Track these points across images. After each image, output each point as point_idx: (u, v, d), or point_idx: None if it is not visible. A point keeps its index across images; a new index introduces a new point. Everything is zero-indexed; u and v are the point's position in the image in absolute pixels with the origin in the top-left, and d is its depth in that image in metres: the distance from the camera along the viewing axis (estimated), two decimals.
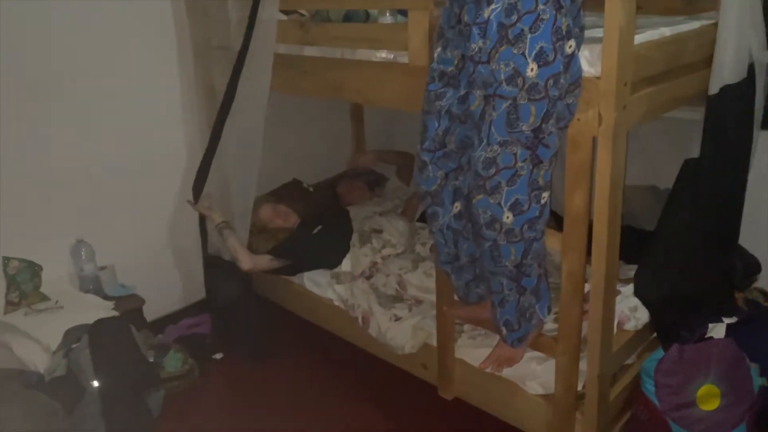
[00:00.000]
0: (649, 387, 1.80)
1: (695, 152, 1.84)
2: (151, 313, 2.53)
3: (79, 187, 2.40)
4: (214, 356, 2.53)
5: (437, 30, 1.64)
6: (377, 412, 2.21)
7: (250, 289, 2.57)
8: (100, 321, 2.08)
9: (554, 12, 1.37)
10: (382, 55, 1.94)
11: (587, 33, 1.52)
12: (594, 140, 1.52)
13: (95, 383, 1.93)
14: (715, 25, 1.74)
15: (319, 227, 2.62)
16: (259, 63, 2.12)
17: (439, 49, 1.61)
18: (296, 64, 2.20)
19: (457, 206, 1.73)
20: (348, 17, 2.11)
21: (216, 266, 2.51)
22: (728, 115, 1.79)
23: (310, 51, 2.16)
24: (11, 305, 2.22)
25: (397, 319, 2.20)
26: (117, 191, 2.51)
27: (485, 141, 1.49)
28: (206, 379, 2.40)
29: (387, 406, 2.24)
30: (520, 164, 1.48)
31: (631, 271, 2.06)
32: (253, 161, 2.30)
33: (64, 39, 2.27)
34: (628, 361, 1.97)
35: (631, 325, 1.95)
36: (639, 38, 1.52)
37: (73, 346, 1.99)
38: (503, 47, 1.40)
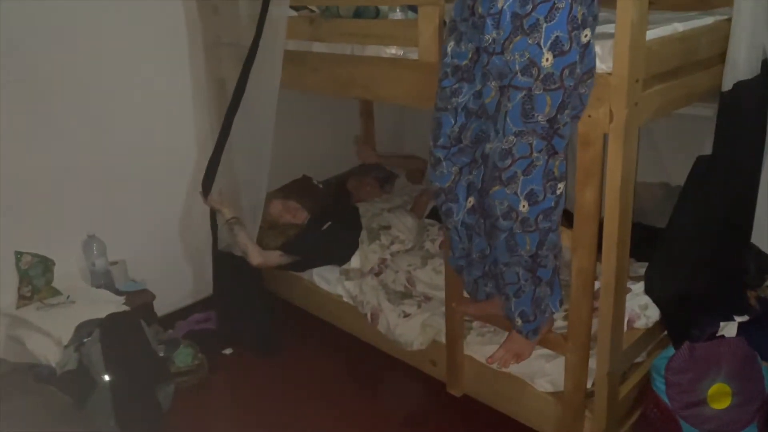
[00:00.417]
0: (659, 385, 1.80)
1: (707, 149, 1.82)
2: (161, 308, 2.54)
3: (90, 182, 2.42)
4: (223, 351, 2.54)
5: (449, 24, 1.63)
6: (385, 408, 2.21)
7: (260, 284, 2.58)
8: (111, 316, 2.09)
9: (570, 1, 1.36)
10: (392, 51, 1.94)
11: (598, 28, 1.51)
12: (605, 137, 1.51)
13: (106, 377, 1.95)
14: (729, 20, 1.72)
15: (329, 223, 2.62)
16: (269, 59, 2.12)
17: (452, 43, 1.60)
18: (305, 60, 2.20)
19: (471, 201, 1.72)
20: (358, 13, 2.10)
21: (226, 261, 2.52)
22: (741, 112, 1.77)
23: (319, 47, 2.16)
24: (24, 300, 2.25)
25: (406, 315, 2.20)
26: (128, 187, 2.52)
27: (501, 132, 1.49)
28: (216, 374, 2.41)
29: (395, 403, 2.24)
30: (535, 155, 1.48)
31: (641, 268, 2.04)
32: (263, 157, 2.31)
33: (75, 35, 2.29)
34: (638, 359, 1.96)
35: (641, 323, 1.94)
36: (651, 34, 1.50)
37: (85, 340, 2.01)
38: (518, 37, 1.39)
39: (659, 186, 2.51)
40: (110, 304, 2.24)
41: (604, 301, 1.64)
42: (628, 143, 1.50)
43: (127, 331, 2.06)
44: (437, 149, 1.68)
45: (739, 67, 1.72)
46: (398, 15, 2.03)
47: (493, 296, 1.85)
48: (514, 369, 1.90)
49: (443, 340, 2.08)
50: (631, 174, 1.57)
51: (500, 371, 1.91)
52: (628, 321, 1.89)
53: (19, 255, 2.24)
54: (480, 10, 1.46)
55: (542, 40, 1.37)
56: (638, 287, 1.98)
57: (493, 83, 1.50)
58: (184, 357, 2.32)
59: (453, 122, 1.63)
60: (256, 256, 2.42)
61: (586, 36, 1.40)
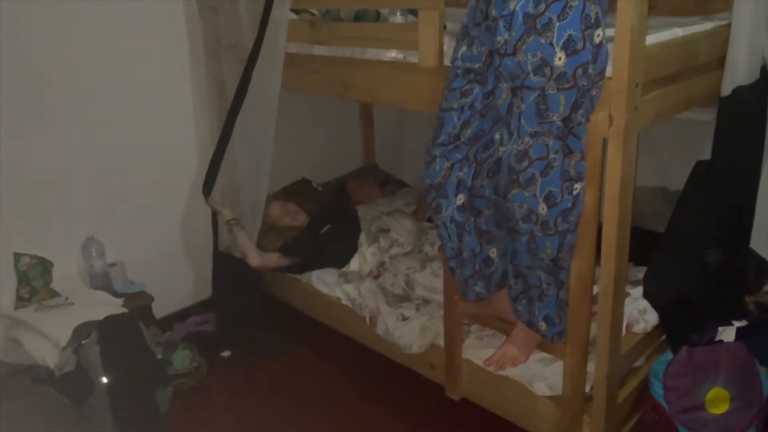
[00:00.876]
0: (657, 390, 1.79)
1: (707, 154, 1.82)
2: (160, 310, 2.54)
3: (90, 184, 2.42)
4: (222, 354, 2.54)
5: (461, 29, 1.63)
6: (384, 411, 2.21)
7: (259, 286, 2.58)
8: (109, 318, 2.09)
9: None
10: (392, 54, 1.94)
11: None
12: (604, 141, 1.52)
13: (104, 379, 1.95)
14: (728, 26, 1.72)
15: (328, 226, 2.63)
16: (270, 61, 2.12)
17: (463, 48, 1.60)
18: (306, 62, 2.21)
19: (461, 198, 1.72)
20: (359, 16, 2.11)
21: (226, 263, 2.52)
22: (740, 117, 1.77)
23: (320, 50, 2.17)
24: (22, 301, 2.24)
25: (405, 318, 2.20)
26: (128, 188, 2.52)
27: (515, 134, 1.49)
28: (214, 376, 2.41)
29: (394, 406, 2.24)
30: (552, 155, 1.48)
31: (640, 272, 2.04)
32: (263, 159, 2.31)
33: (75, 36, 2.29)
34: (637, 364, 1.96)
35: (639, 328, 1.94)
36: (651, 38, 1.51)
37: (83, 342, 2.01)
38: (531, 38, 1.39)
39: (658, 190, 2.51)
40: (109, 306, 2.23)
41: (603, 305, 1.64)
42: (628, 147, 1.50)
43: (126, 333, 2.06)
44: (435, 147, 1.68)
45: (739, 72, 1.72)
46: (398, 18, 2.03)
47: (483, 297, 1.84)
48: (512, 372, 1.90)
49: (442, 343, 2.08)
50: (631, 178, 1.57)
51: (499, 375, 1.91)
52: (627, 325, 1.89)
53: (17, 256, 2.24)
54: (493, 12, 1.46)
55: (555, 39, 1.37)
56: (637, 291, 1.98)
57: (504, 85, 1.50)
58: (182, 359, 2.31)
59: (456, 120, 1.64)
60: (255, 258, 2.42)
61: (598, 36, 1.40)
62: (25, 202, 2.25)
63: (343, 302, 2.45)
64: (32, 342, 2.10)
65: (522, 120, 1.47)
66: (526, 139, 1.48)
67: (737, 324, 1.89)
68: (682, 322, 1.92)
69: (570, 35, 1.37)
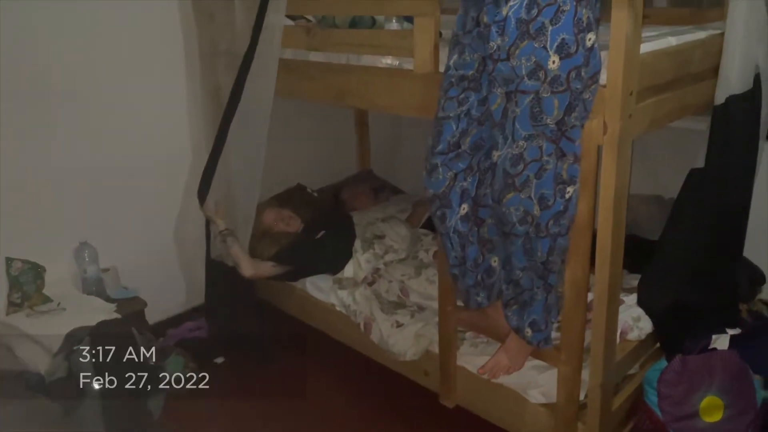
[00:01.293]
0: (651, 397, 1.79)
1: (700, 162, 1.83)
2: (153, 316, 2.53)
3: (83, 188, 2.41)
4: (215, 360, 2.52)
5: (452, 38, 1.64)
6: (378, 418, 2.20)
7: (253, 293, 2.57)
8: (101, 323, 2.08)
9: (575, 3, 1.38)
10: (388, 61, 1.95)
11: None
12: (599, 148, 1.52)
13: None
14: (722, 35, 1.74)
15: (323, 232, 2.62)
16: (264, 67, 2.12)
17: (455, 56, 1.61)
18: (301, 69, 2.21)
19: (464, 208, 1.72)
20: (354, 23, 2.11)
21: (219, 270, 2.51)
22: (734, 125, 1.78)
23: (315, 56, 2.17)
24: (13, 306, 2.22)
25: (399, 325, 2.19)
26: (121, 193, 2.51)
27: (510, 138, 1.50)
28: (207, 382, 2.39)
29: (388, 413, 2.23)
30: (545, 158, 1.49)
31: (634, 280, 2.05)
32: (257, 166, 2.30)
33: (71, 40, 2.28)
34: (631, 371, 1.96)
35: (634, 335, 1.94)
36: (645, 47, 1.52)
37: (75, 348, 1.99)
38: (524, 42, 1.40)
39: (653, 198, 2.52)
40: (101, 311, 2.22)
41: (597, 313, 1.64)
42: (622, 155, 1.51)
43: (118, 340, 2.05)
44: (435, 155, 1.68)
45: (732, 81, 1.73)
46: (394, 25, 2.04)
47: (484, 306, 1.84)
48: (506, 380, 1.89)
49: (436, 350, 2.08)
50: (625, 186, 1.58)
51: (493, 382, 1.91)
52: (621, 333, 1.89)
53: (9, 261, 2.22)
54: (485, 19, 1.48)
55: (548, 43, 1.39)
56: (631, 299, 1.98)
57: (499, 90, 1.51)
58: (175, 366, 2.30)
59: (454, 128, 1.64)
60: (248, 269, 2.41)
61: (590, 39, 1.41)
62: (17, 206, 2.23)
63: (338, 308, 2.44)
64: (23, 348, 2.08)
65: (516, 124, 1.48)
66: (521, 142, 1.49)
67: (731, 332, 1.89)
68: (677, 330, 1.92)
69: (563, 39, 1.39)
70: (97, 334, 2.02)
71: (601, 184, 1.54)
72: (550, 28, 1.38)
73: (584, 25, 1.39)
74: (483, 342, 2.07)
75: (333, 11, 2.15)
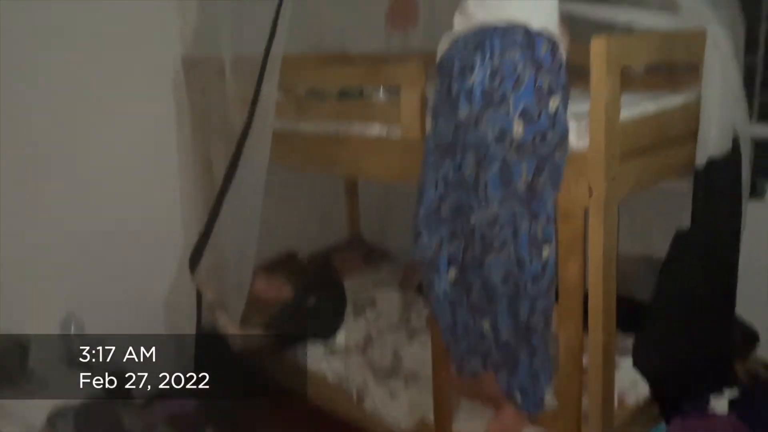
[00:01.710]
0: None
1: (686, 221, 1.85)
2: (141, 389, 2.46)
3: (71, 258, 2.38)
4: None
5: (429, 105, 1.69)
6: None
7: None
8: (85, 404, 2.02)
9: (534, 72, 1.47)
10: (376, 130, 1.99)
11: (575, 107, 1.57)
12: (586, 211, 1.54)
13: None
14: (698, 100, 1.79)
15: (314, 299, 2.60)
16: (259, 138, 2.15)
17: (433, 122, 1.68)
18: (292, 138, 2.25)
19: (453, 273, 1.72)
20: (343, 93, 2.17)
21: (209, 342, 2.47)
22: (716, 187, 1.81)
23: (305, 126, 2.21)
24: None
25: (393, 394, 2.14)
26: (111, 263, 2.49)
27: (484, 202, 1.55)
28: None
29: None
30: (519, 220, 1.54)
31: (628, 340, 2.03)
32: (250, 236, 2.30)
33: (62, 107, 2.30)
34: None
35: (631, 399, 1.91)
36: (625, 113, 1.56)
37: (58, 426, 1.93)
38: (489, 109, 1.49)
39: (642, 259, 2.53)
40: (86, 386, 2.16)
41: (593, 377, 1.62)
42: (608, 217, 1.53)
43: (103, 418, 1.99)
44: (418, 222, 1.70)
45: (711, 144, 1.77)
46: (381, 95, 2.09)
47: (479, 373, 1.81)
48: None
49: (431, 418, 2.02)
50: (613, 248, 1.59)
51: None
52: (619, 397, 1.86)
53: None
54: (455, 88, 1.56)
55: (512, 111, 1.48)
56: (627, 362, 1.95)
57: (470, 155, 1.57)
58: None
59: (433, 194, 1.68)
60: (238, 341, 2.38)
61: (554, 103, 1.49)
62: (1, 276, 2.20)
63: (330, 378, 2.39)
64: (5, 427, 2.01)
65: (489, 188, 1.54)
66: (494, 206, 1.54)
67: (728, 392, 1.87)
68: (673, 391, 1.90)
69: (525, 105, 1.47)
70: (81, 413, 1.95)
71: (589, 247, 1.55)
72: (512, 95, 1.47)
73: (545, 91, 1.48)
74: (478, 408, 2.02)
75: (322, 83, 2.21)
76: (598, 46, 1.44)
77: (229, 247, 2.37)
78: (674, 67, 2.06)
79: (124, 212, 2.51)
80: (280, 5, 1.92)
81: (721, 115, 1.77)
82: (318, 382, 2.44)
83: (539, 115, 1.48)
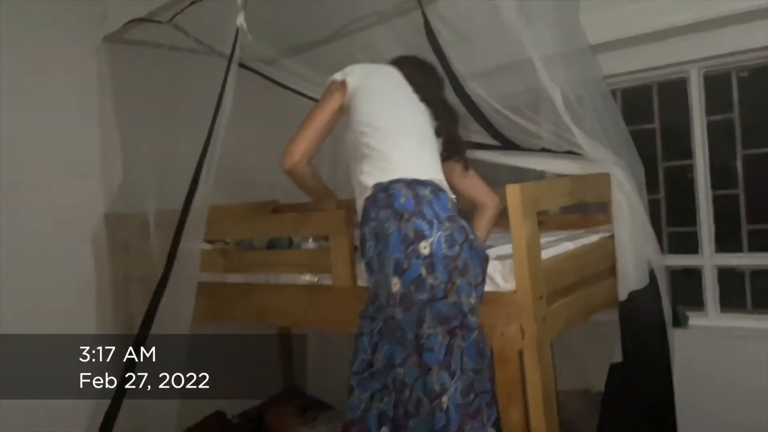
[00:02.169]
0: None
1: (618, 356, 1.87)
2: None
3: None
4: None
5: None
6: None
7: None
8: None
9: (396, 223, 1.51)
10: (307, 278, 1.97)
11: (498, 250, 1.62)
12: (520, 353, 1.53)
13: None
14: (612, 237, 1.89)
15: None
16: (181, 293, 2.07)
17: (368, 271, 1.67)
18: (220, 291, 2.19)
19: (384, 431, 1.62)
20: (272, 244, 2.16)
21: None
22: (640, 318, 1.87)
23: (233, 278, 2.17)
24: None
25: None
26: None
27: (394, 359, 1.54)
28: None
29: None
30: (418, 371, 1.49)
31: None
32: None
33: None
34: None
35: None
36: (546, 253, 1.63)
37: None
38: (373, 275, 1.56)
39: (581, 393, 2.51)
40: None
41: None
42: (543, 357, 1.53)
43: None
44: (352, 376, 1.63)
45: (630, 278, 1.85)
46: (311, 244, 2.10)
47: None
48: None
49: None
50: (551, 386, 1.57)
51: None
52: None
53: None
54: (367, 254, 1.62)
55: (389, 269, 1.50)
56: None
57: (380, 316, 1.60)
58: None
59: (367, 344, 1.63)
60: None
61: (425, 247, 1.49)
62: None
63: None
64: None
65: (390, 346, 1.55)
66: (400, 363, 1.52)
67: None
68: None
69: (396, 259, 1.50)
70: None
71: (528, 388, 1.53)
72: (386, 254, 1.51)
73: (411, 238, 1.49)
74: None
75: (250, 234, 2.20)
76: (513, 193, 1.52)
77: (148, 412, 2.19)
78: (587, 207, 2.19)
79: None
80: (202, 159, 1.94)
81: (634, 250, 1.87)
82: None
83: (410, 264, 1.48)
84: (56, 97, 2.48)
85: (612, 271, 1.88)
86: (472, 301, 1.49)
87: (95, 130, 2.57)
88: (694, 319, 2.30)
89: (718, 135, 2.30)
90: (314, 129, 1.71)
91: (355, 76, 1.72)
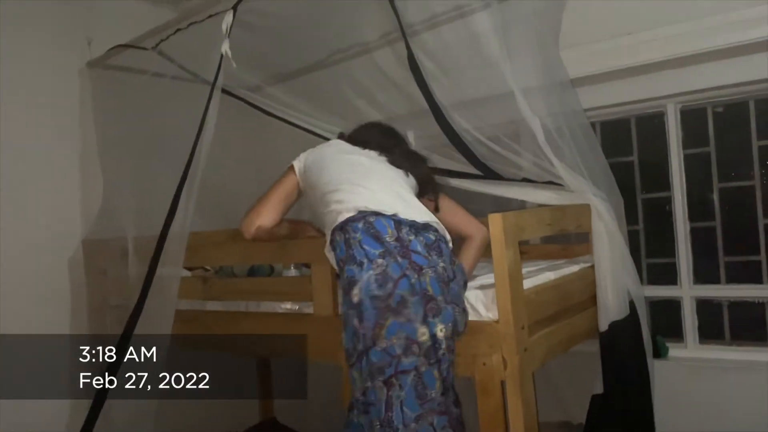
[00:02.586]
0: None
1: (600, 386, 1.87)
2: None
3: None
4: None
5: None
6: None
7: None
8: None
9: (340, 273, 1.54)
10: (287, 306, 1.95)
11: (480, 279, 1.62)
12: (502, 384, 1.52)
13: None
14: (593, 267, 1.90)
15: None
16: (157, 320, 2.04)
17: None
18: (199, 319, 2.15)
19: None
20: (252, 271, 2.14)
21: None
22: (621, 349, 1.87)
23: (213, 305, 2.14)
24: None
25: None
26: None
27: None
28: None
29: None
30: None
31: None
32: (146, 418, 2.08)
33: None
34: None
35: None
36: (528, 283, 1.63)
37: None
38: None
39: (562, 425, 2.50)
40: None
41: None
42: (525, 387, 1.52)
43: None
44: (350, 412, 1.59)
45: (610, 309, 1.86)
46: (292, 272, 2.08)
47: None
48: None
49: None
50: (533, 416, 1.56)
51: None
52: None
53: None
54: None
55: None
56: None
57: None
58: None
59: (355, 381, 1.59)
60: None
61: (355, 295, 1.47)
62: None
63: None
64: None
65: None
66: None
67: None
68: None
69: (342, 313, 1.53)
70: None
71: (510, 419, 1.51)
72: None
73: (346, 287, 1.51)
74: None
75: (231, 261, 2.18)
76: (495, 222, 1.52)
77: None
78: (567, 237, 2.20)
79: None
80: (181, 186, 1.92)
81: (614, 280, 1.88)
82: None
83: (346, 316, 1.50)
84: (37, 121, 2.47)
85: (593, 301, 1.88)
86: (404, 340, 1.42)
87: (75, 154, 2.55)
88: (674, 351, 2.31)
89: (695, 168, 2.34)
90: (268, 202, 1.78)
91: (300, 159, 1.81)
